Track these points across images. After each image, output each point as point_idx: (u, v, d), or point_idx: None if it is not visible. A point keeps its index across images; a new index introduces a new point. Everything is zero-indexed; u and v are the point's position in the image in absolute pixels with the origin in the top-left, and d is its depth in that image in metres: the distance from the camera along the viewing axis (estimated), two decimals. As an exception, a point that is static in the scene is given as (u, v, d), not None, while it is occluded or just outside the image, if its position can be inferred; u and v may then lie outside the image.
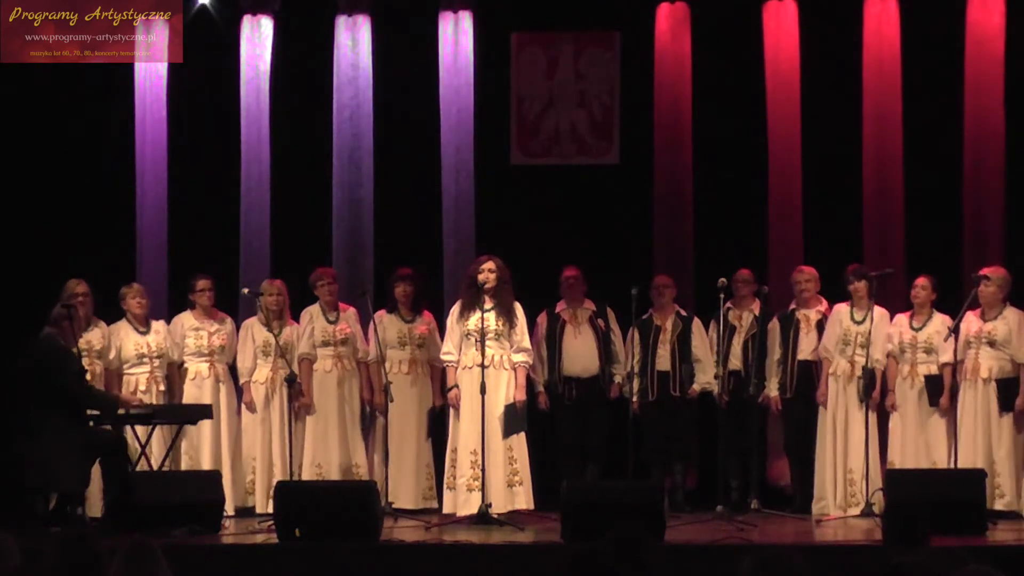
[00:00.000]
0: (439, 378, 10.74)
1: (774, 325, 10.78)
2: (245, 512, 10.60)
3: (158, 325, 10.71)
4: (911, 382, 10.40)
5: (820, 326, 10.65)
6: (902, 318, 10.52)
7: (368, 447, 10.79)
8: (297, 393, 10.55)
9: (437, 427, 10.67)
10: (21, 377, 9.53)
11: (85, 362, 10.09)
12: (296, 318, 10.84)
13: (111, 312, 10.65)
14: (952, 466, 10.01)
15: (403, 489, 10.63)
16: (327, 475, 10.55)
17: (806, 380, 10.65)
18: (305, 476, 10.47)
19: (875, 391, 10.37)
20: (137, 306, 10.62)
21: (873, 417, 10.33)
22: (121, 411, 9.94)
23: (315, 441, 10.66)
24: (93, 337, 10.42)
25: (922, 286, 10.45)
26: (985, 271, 10.31)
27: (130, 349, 10.56)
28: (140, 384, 10.53)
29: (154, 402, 10.42)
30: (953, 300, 10.50)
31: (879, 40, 11.55)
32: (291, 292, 10.87)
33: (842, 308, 10.54)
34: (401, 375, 10.73)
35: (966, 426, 10.19)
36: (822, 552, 8.55)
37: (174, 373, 10.74)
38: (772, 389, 10.72)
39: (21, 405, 9.51)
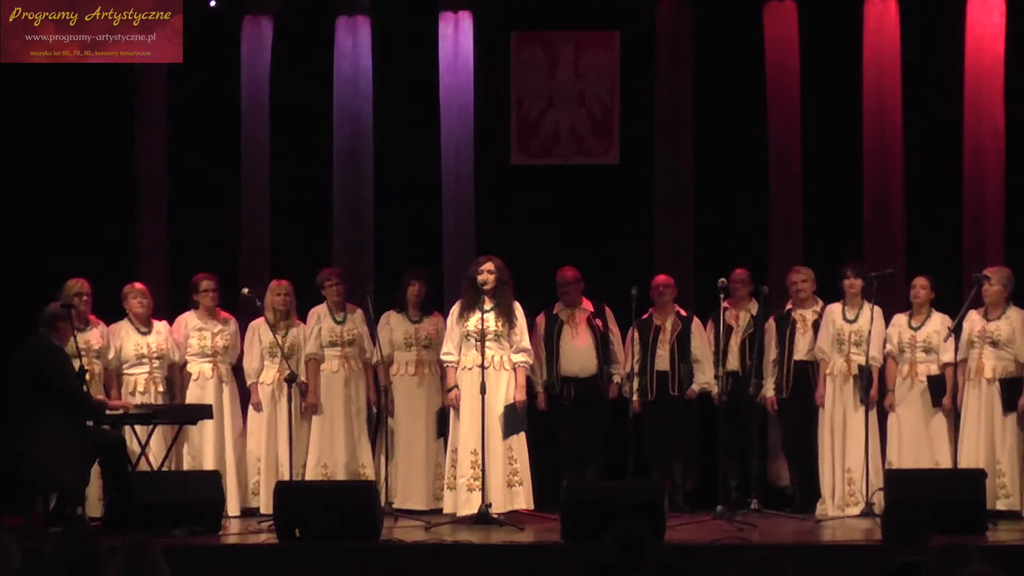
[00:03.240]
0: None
1: (770, 325, 10.77)
2: (250, 513, 10.58)
3: (160, 326, 10.67)
4: (911, 382, 10.39)
5: (816, 326, 10.64)
6: (901, 318, 10.51)
7: (375, 448, 10.78)
8: (300, 392, 10.54)
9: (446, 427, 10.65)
10: (19, 377, 9.52)
11: (84, 362, 10.08)
12: (303, 318, 10.84)
13: (112, 312, 10.64)
14: (954, 466, 10.01)
15: (413, 489, 10.62)
16: (333, 476, 10.50)
17: (803, 380, 10.64)
18: (310, 476, 10.45)
19: (872, 389, 10.37)
20: (139, 306, 10.58)
21: (872, 416, 10.33)
22: (115, 412, 9.94)
23: (321, 442, 10.63)
24: (91, 337, 10.38)
25: (921, 286, 10.44)
26: (989, 270, 10.30)
27: (130, 349, 10.53)
28: (139, 385, 10.49)
29: (153, 403, 10.39)
30: (953, 300, 10.51)
31: (879, 40, 11.55)
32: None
33: (834, 308, 10.53)
34: (408, 376, 10.73)
35: (969, 426, 10.18)
36: (822, 552, 8.56)
37: (175, 374, 10.70)
38: (768, 389, 10.72)
39: (19, 405, 9.50)
